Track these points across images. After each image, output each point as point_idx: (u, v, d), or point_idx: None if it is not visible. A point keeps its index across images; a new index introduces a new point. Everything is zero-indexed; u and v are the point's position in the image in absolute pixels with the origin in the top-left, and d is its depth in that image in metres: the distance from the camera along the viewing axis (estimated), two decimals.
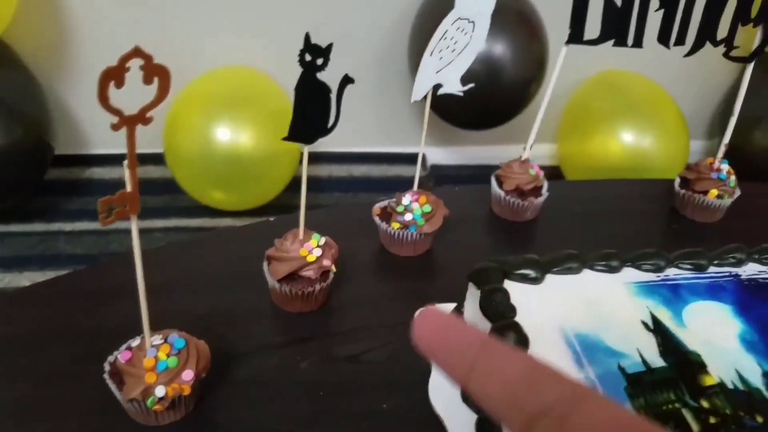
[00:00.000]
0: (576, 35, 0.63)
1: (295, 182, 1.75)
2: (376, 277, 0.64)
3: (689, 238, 0.73)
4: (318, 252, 0.57)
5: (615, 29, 0.62)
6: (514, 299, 0.50)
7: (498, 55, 1.42)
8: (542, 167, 1.95)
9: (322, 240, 0.58)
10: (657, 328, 0.48)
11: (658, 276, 0.54)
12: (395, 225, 0.65)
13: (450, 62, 0.58)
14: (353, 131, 1.87)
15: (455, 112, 1.57)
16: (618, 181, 0.96)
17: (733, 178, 0.73)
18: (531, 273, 0.53)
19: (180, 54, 1.66)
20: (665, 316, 0.49)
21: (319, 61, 0.50)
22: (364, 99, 1.80)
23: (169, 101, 1.56)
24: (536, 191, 0.73)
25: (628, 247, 0.70)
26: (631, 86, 1.61)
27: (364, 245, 0.68)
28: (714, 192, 0.72)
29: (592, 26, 0.64)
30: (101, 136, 1.75)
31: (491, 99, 1.48)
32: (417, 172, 0.67)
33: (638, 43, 0.62)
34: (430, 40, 0.55)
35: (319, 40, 1.69)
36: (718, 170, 0.73)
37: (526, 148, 0.74)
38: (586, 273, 0.54)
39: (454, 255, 0.69)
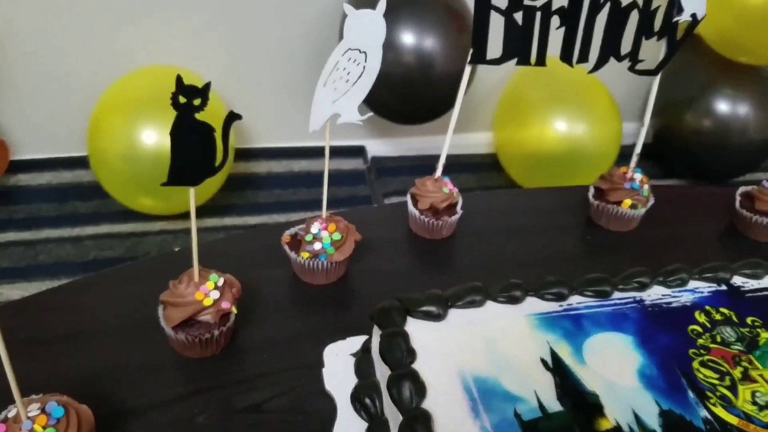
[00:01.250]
0: (478, 55, 0.61)
1: (230, 181, 1.70)
2: (285, 312, 0.62)
3: (604, 249, 0.73)
4: (215, 294, 0.54)
5: (517, 48, 0.60)
6: (416, 341, 0.49)
7: (428, 49, 1.40)
8: (479, 156, 1.92)
9: (221, 280, 0.55)
10: (556, 367, 0.47)
11: (561, 305, 0.54)
12: (304, 254, 0.62)
13: (345, 92, 0.55)
14: (290, 126, 1.83)
15: (390, 108, 1.55)
16: (534, 190, 0.95)
17: (646, 187, 0.73)
18: (434, 310, 0.52)
19: (101, 53, 1.58)
20: (565, 352, 0.49)
21: (197, 102, 0.47)
22: (299, 93, 1.75)
23: (92, 102, 1.47)
24: (451, 209, 0.72)
25: (543, 262, 0.70)
26: (563, 74, 1.61)
27: (274, 274, 0.66)
28: (628, 202, 0.72)
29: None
30: (26, 140, 1.65)
31: (424, 93, 1.46)
32: (324, 197, 0.64)
33: (541, 61, 0.61)
34: None
35: (249, 36, 1.62)
36: (632, 180, 0.72)
37: (438, 166, 0.72)
38: (489, 305, 0.53)
39: (370, 280, 0.67)
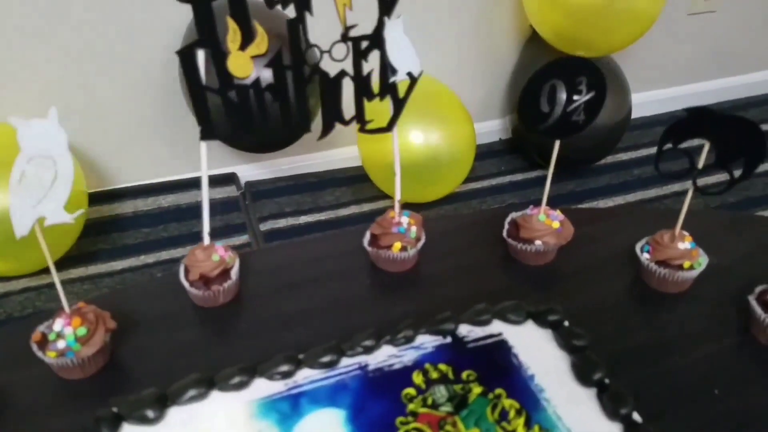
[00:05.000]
0: (207, 132, 0.61)
1: (92, 226, 1.66)
2: (39, 416, 0.60)
3: (384, 291, 0.74)
4: None
5: (240, 123, 0.60)
6: None
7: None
8: (351, 168, 1.91)
9: None
10: None
11: (287, 384, 0.54)
12: (51, 354, 0.61)
13: (44, 197, 0.53)
14: (152, 161, 1.79)
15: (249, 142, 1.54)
16: (314, 239, 0.97)
17: (414, 229, 0.75)
18: (150, 413, 0.51)
19: None
20: None
21: None
22: (158, 127, 1.71)
23: None
24: (225, 274, 0.72)
25: (323, 314, 0.70)
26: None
27: (35, 372, 0.64)
28: (398, 245, 0.73)
29: None
30: None
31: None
32: (60, 292, 0.62)
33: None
34: None
35: (94, 77, 1.56)
36: (398, 224, 0.74)
37: (204, 233, 0.72)
38: (214, 396, 0.54)
39: (140, 363, 0.66)
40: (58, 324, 0.62)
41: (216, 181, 1.86)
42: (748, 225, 0.85)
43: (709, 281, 0.73)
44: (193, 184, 1.83)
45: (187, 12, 0.53)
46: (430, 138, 1.60)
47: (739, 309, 0.70)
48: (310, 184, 1.88)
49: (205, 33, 0.55)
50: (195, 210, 1.78)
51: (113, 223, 1.73)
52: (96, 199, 1.72)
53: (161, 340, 0.69)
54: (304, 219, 1.76)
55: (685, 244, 0.71)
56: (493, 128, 1.97)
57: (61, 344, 0.61)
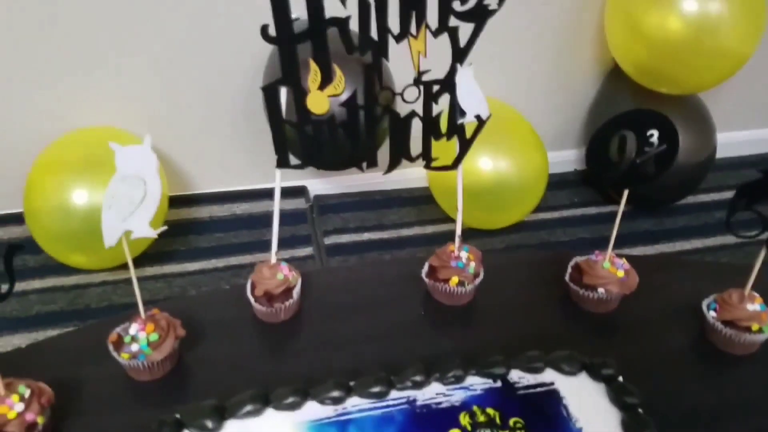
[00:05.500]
0: (283, 161, 0.65)
1: (170, 227, 1.75)
2: (113, 410, 0.65)
3: (437, 323, 0.75)
4: (20, 407, 0.58)
5: (312, 154, 0.63)
6: None
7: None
8: (418, 189, 1.93)
9: (28, 391, 0.59)
10: None
11: (336, 410, 0.56)
12: (124, 355, 0.66)
13: (132, 213, 0.58)
14: (230, 171, 1.87)
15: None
16: (375, 263, 0.98)
17: (473, 264, 0.75)
18: (209, 423, 0.55)
19: (38, 116, 1.63)
20: None
21: None
22: (237, 137, 1.79)
23: (28, 163, 1.50)
24: (288, 293, 0.75)
25: (379, 338, 0.73)
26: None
27: (104, 371, 0.69)
28: (455, 280, 0.74)
29: None
30: None
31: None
32: (138, 299, 0.67)
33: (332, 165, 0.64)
34: None
35: (180, 86, 1.67)
36: (458, 258, 0.75)
37: (272, 251, 0.75)
38: (269, 413, 0.56)
39: (198, 373, 0.70)
40: (134, 328, 0.67)
41: (287, 192, 1.92)
42: None
43: None
44: (266, 194, 1.90)
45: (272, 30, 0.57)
46: (499, 164, 1.60)
47: None
48: (376, 202, 1.91)
49: (289, 72, 0.59)
50: (265, 219, 1.85)
51: (189, 226, 1.82)
52: (176, 202, 1.81)
53: (224, 350, 0.73)
54: (367, 236, 1.79)
55: (755, 305, 0.69)
56: (568, 158, 1.94)
57: (134, 347, 0.66)
